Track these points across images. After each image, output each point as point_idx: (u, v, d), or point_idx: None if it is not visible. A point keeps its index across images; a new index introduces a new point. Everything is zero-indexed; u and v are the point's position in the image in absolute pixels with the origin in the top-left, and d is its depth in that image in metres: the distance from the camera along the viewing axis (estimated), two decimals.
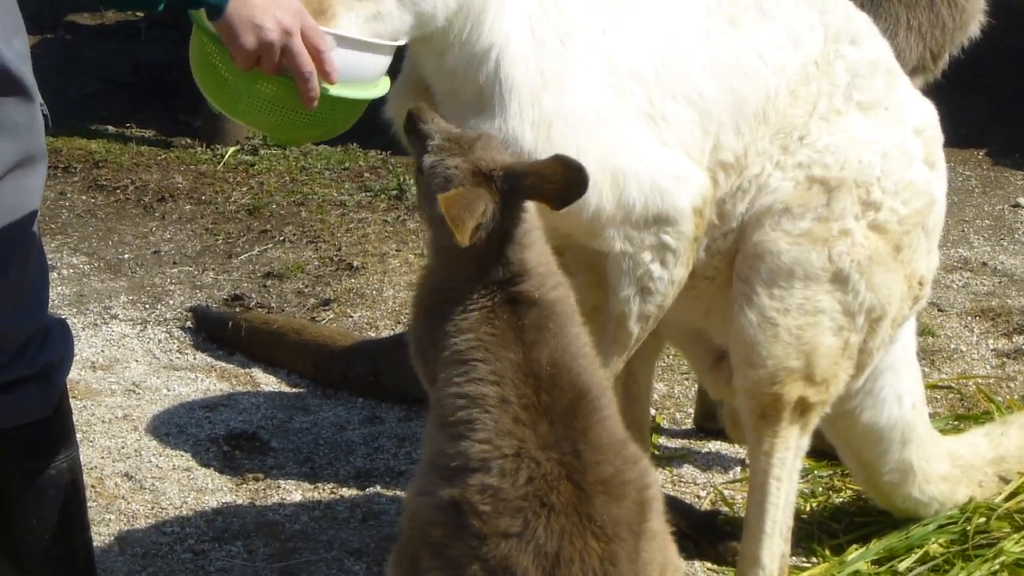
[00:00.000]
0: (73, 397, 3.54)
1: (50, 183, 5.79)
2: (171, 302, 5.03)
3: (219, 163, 6.43)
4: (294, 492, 3.79)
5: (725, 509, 3.70)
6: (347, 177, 6.27)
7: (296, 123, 2.56)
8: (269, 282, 5.18)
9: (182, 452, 3.99)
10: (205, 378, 4.47)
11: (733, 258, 3.05)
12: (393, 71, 2.74)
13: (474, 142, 2.37)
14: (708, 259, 3.04)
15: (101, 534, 3.50)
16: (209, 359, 4.62)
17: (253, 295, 5.06)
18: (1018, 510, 3.46)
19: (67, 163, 6.41)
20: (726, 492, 3.79)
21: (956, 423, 4.06)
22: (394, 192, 5.98)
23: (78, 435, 2.90)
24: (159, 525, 3.60)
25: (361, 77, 2.58)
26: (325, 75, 2.48)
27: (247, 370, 4.53)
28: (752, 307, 2.99)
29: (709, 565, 3.47)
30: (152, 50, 8.08)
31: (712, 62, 2.91)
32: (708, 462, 3.99)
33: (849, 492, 3.73)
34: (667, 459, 3.97)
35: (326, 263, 5.29)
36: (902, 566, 3.34)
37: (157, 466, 3.91)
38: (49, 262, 2.78)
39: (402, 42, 2.68)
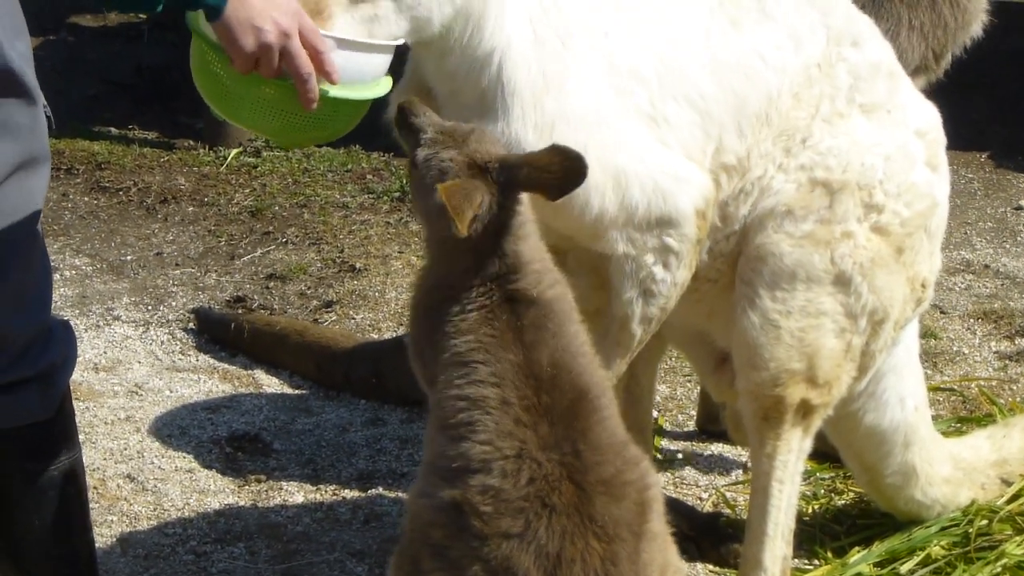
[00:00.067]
0: (75, 398, 3.54)
1: (53, 185, 5.77)
2: (174, 304, 5.03)
3: (222, 165, 6.43)
4: (296, 494, 3.79)
5: (727, 511, 3.69)
6: (350, 179, 6.27)
7: (299, 126, 2.56)
8: (271, 284, 5.18)
9: (184, 454, 4.00)
10: (207, 380, 4.47)
11: (735, 260, 3.05)
12: (396, 72, 2.74)
13: (468, 135, 2.38)
14: (711, 261, 3.04)
15: (103, 535, 3.50)
16: (212, 361, 4.62)
17: (255, 297, 5.06)
18: (1020, 513, 3.45)
19: (70, 165, 6.41)
20: (728, 494, 3.79)
21: (958, 425, 4.05)
22: (396, 194, 5.98)
23: (80, 436, 2.91)
24: (161, 527, 3.61)
25: (361, 77, 2.58)
26: (325, 75, 2.47)
27: (249, 372, 4.53)
28: (754, 309, 2.99)
29: (711, 567, 3.47)
30: (155, 52, 8.08)
31: (713, 62, 2.91)
32: (710, 464, 3.99)
33: (851, 494, 3.72)
34: (669, 461, 3.97)
35: (328, 265, 5.29)
36: (904, 568, 3.34)
37: (159, 467, 3.91)
38: (51, 263, 2.78)
39: (400, 42, 2.68)
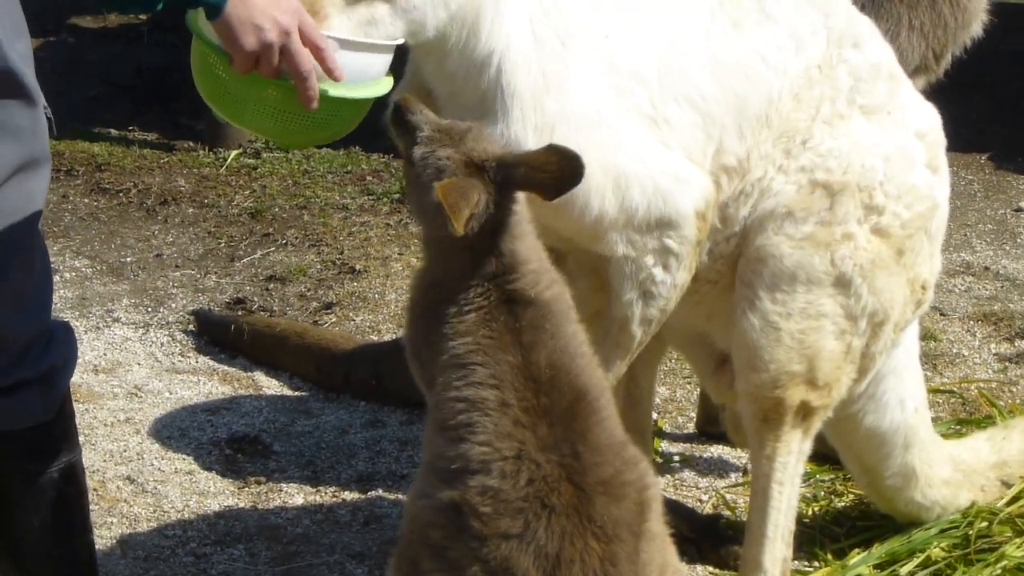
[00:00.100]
0: (75, 400, 3.53)
1: (52, 186, 5.77)
2: (173, 305, 5.03)
3: (221, 167, 6.43)
4: (296, 496, 3.79)
5: (727, 513, 3.69)
6: (349, 180, 6.27)
7: (301, 127, 2.56)
8: (271, 285, 5.18)
9: (184, 455, 3.99)
10: (207, 381, 4.47)
11: (736, 262, 3.05)
12: (396, 73, 2.74)
13: (465, 133, 2.37)
14: (711, 263, 3.04)
15: (103, 537, 3.50)
16: (211, 362, 4.62)
17: (255, 298, 5.06)
18: (1020, 514, 3.45)
19: (70, 166, 6.41)
20: (728, 496, 3.79)
21: (958, 427, 4.05)
22: (396, 196, 5.98)
23: (80, 438, 2.91)
24: (161, 528, 3.60)
25: (361, 77, 2.57)
26: (328, 72, 2.47)
27: (249, 373, 4.53)
28: (754, 311, 2.99)
29: (711, 569, 3.47)
30: (155, 53, 8.08)
31: (713, 63, 2.91)
32: (710, 466, 3.99)
33: (851, 496, 3.72)
34: (669, 463, 3.97)
35: (328, 267, 5.29)
36: (904, 570, 3.33)
37: (159, 469, 3.91)
38: (52, 265, 2.78)
39: (400, 41, 2.68)
